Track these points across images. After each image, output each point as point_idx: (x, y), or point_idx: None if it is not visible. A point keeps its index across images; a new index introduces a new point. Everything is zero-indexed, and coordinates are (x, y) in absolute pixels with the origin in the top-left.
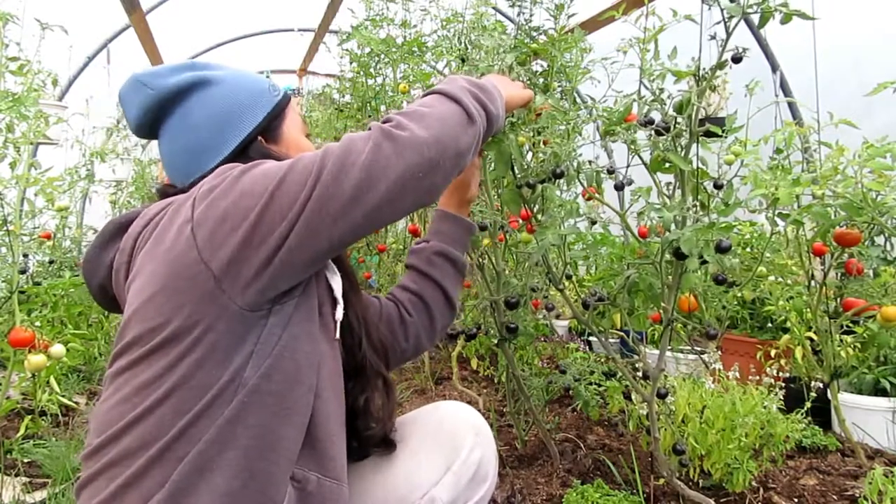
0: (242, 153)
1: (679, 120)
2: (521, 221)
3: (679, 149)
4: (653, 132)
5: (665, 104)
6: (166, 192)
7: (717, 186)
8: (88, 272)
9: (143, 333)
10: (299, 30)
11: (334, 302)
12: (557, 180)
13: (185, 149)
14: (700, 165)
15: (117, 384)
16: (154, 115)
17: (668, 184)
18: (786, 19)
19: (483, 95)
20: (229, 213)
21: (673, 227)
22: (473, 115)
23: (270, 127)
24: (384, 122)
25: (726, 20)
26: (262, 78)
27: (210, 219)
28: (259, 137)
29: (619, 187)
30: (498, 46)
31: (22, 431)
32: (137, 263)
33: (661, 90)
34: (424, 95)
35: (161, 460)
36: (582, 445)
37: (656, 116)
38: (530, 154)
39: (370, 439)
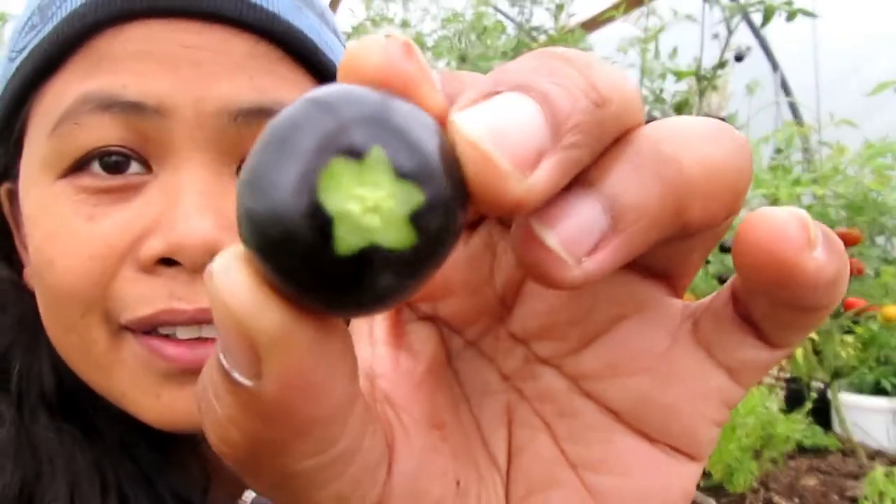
0: None
1: None
2: None
3: None
4: None
5: (665, 103)
6: None
7: None
8: None
9: None
10: None
11: None
12: None
13: None
14: None
15: None
16: None
17: None
18: (791, 16)
19: None
20: None
21: None
22: None
23: (9, 167)
24: None
25: (728, 19)
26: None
27: None
28: (3, 187)
29: None
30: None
31: None
32: None
33: (662, 90)
34: None
35: None
36: None
37: (655, 116)
38: None
39: None
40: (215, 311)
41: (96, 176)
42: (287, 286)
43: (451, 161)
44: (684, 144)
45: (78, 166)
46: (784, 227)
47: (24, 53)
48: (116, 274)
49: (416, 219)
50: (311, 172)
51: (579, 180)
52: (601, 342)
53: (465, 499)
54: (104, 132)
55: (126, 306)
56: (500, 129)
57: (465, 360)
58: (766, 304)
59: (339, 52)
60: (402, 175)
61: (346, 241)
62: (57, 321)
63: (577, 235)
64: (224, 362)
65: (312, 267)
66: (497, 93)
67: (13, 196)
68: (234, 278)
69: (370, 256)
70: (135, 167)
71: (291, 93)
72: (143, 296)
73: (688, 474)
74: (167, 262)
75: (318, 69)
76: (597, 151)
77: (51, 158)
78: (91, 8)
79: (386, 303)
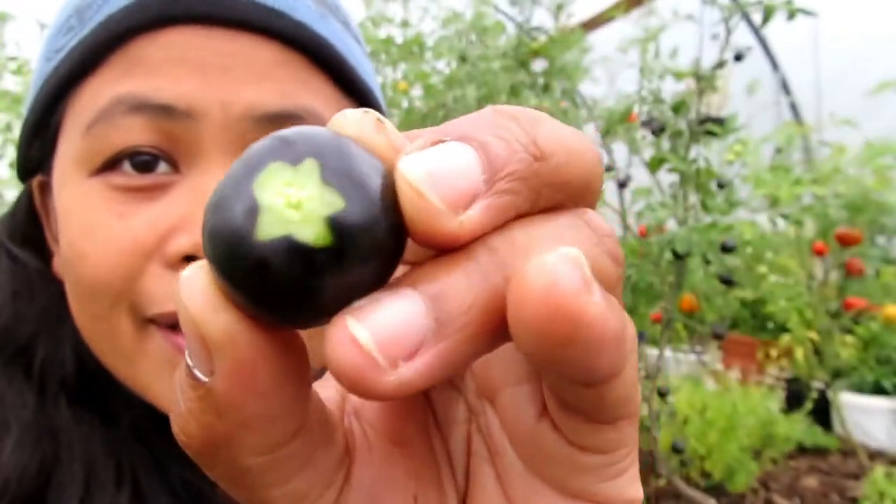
0: None
1: (676, 120)
2: None
3: (680, 149)
4: (649, 132)
5: (663, 103)
6: None
7: (720, 186)
8: None
9: None
10: None
11: None
12: None
13: None
14: (705, 165)
15: None
16: None
17: (672, 183)
18: (791, 15)
19: None
20: None
21: (671, 226)
22: None
23: (43, 161)
24: None
25: (726, 19)
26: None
27: None
28: (36, 179)
29: (622, 184)
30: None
31: None
32: None
33: (660, 90)
34: None
35: None
36: None
37: (654, 116)
38: None
39: None
40: (179, 313)
41: (127, 175)
42: (227, 283)
43: (392, 197)
44: (528, 247)
45: (110, 165)
46: (556, 269)
47: (62, 54)
48: (144, 269)
49: (335, 222)
50: (252, 174)
51: (405, 280)
52: (496, 400)
53: None
54: (135, 133)
55: (153, 302)
56: (437, 172)
57: (439, 391)
58: (563, 385)
59: (361, 61)
60: (327, 182)
61: (268, 229)
62: (86, 311)
63: (394, 335)
64: (189, 361)
65: (238, 254)
66: (441, 141)
67: (45, 189)
68: (194, 284)
69: (285, 246)
70: (163, 167)
71: (315, 99)
72: (170, 292)
73: None
74: (193, 259)
75: (342, 76)
76: (535, 201)
77: (84, 156)
78: (128, 13)
79: (305, 304)
